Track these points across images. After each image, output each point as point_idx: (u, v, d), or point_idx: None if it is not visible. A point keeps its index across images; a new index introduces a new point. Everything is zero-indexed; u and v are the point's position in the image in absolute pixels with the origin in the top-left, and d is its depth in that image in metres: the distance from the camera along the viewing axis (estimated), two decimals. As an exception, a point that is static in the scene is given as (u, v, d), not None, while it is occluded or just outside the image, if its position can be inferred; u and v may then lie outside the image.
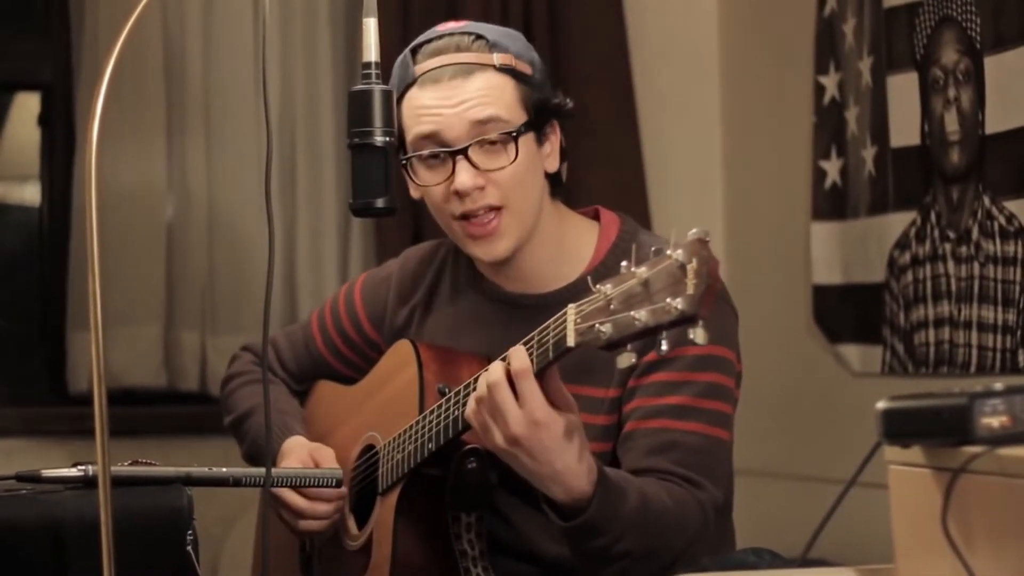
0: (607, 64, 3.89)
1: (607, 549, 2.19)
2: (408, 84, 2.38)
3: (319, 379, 2.72)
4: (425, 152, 2.35)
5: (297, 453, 2.50)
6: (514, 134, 2.34)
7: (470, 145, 2.33)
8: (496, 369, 2.12)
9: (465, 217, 2.36)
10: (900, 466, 1.68)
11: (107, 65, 1.92)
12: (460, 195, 2.34)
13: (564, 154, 2.46)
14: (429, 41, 2.39)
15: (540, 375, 2.09)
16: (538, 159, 2.40)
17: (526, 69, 2.38)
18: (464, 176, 2.33)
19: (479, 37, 2.37)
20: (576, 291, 2.38)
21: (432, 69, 2.36)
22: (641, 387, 2.34)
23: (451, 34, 2.39)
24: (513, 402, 2.09)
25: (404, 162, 2.38)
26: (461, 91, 2.34)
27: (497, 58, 2.36)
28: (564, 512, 2.16)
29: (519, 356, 2.09)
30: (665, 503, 2.23)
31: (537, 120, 2.38)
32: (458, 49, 2.37)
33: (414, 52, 2.39)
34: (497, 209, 2.36)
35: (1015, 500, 1.52)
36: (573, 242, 2.46)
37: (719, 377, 2.35)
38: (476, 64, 2.35)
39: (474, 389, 2.21)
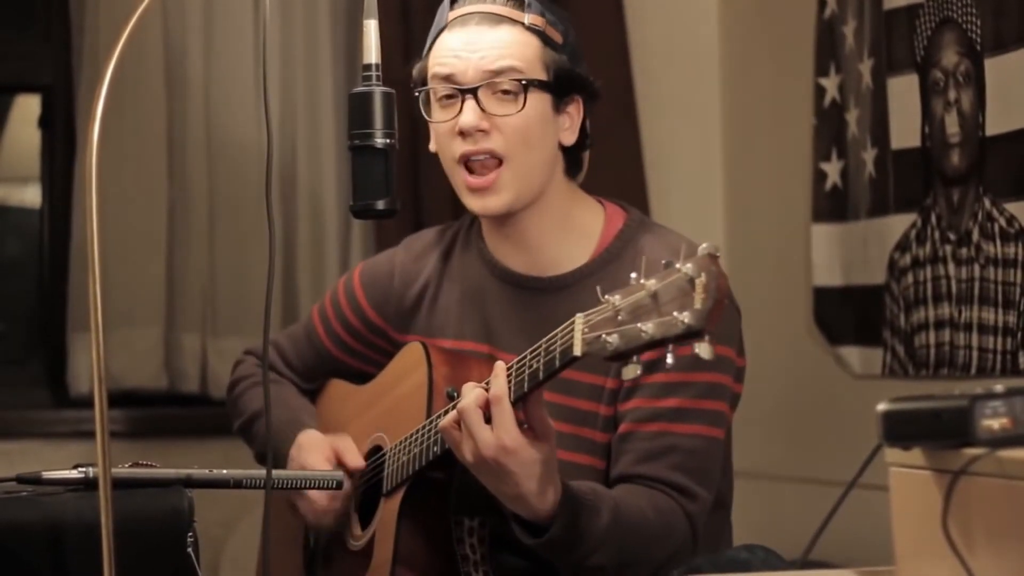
0: (608, 66, 3.89)
1: (579, 563, 2.23)
2: (440, 29, 2.44)
3: (326, 375, 2.72)
4: (438, 88, 2.39)
5: (319, 447, 2.51)
6: (525, 83, 2.37)
7: (480, 86, 2.37)
8: (470, 395, 2.16)
9: (467, 164, 2.39)
10: (901, 468, 1.68)
11: (108, 67, 1.92)
12: (463, 135, 2.36)
13: (586, 136, 2.47)
14: None
15: (524, 400, 2.12)
16: (551, 124, 2.42)
17: (555, 36, 2.42)
18: (469, 115, 2.37)
19: None
20: (582, 276, 2.41)
21: (462, 15, 2.41)
22: (639, 387, 2.34)
23: None
24: (483, 427, 2.14)
25: (419, 94, 2.43)
26: (483, 38, 2.39)
27: (528, 17, 2.41)
28: (532, 527, 2.21)
29: (498, 383, 2.13)
30: (645, 516, 2.26)
31: (557, 85, 2.41)
32: (493, 2, 2.42)
33: (452, 1, 2.45)
34: (498, 160, 2.38)
35: (1016, 502, 1.52)
36: (580, 223, 2.48)
37: (717, 376, 2.36)
38: (505, 17, 2.40)
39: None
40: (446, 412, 2.29)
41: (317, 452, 2.49)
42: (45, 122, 4.06)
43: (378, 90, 2.11)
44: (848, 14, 3.46)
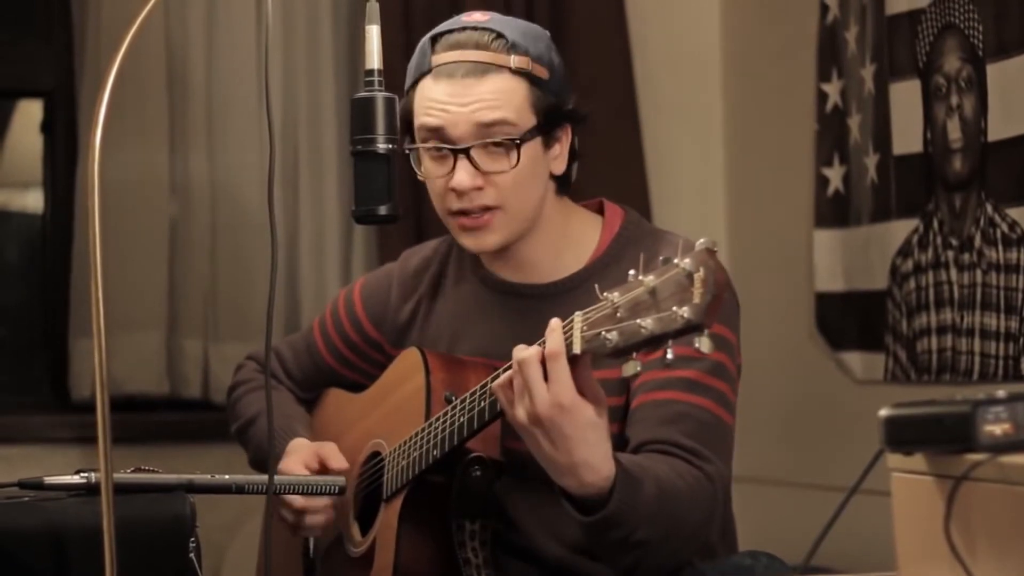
0: (610, 71, 3.90)
1: (625, 540, 2.16)
2: (423, 72, 2.39)
3: (324, 386, 2.72)
4: (429, 145, 2.37)
5: (300, 452, 2.50)
6: (518, 141, 2.34)
7: (473, 146, 2.34)
8: (531, 348, 2.09)
9: (461, 212, 2.37)
10: (903, 473, 1.68)
11: (110, 72, 1.92)
12: (458, 193, 2.35)
13: (574, 155, 2.46)
14: (451, 32, 2.39)
15: (573, 361, 2.06)
16: (542, 163, 2.40)
17: (543, 73, 2.38)
18: (463, 175, 2.34)
19: (500, 36, 2.37)
20: (579, 281, 2.40)
21: (447, 63, 2.36)
22: (648, 362, 2.32)
23: (473, 28, 2.38)
24: (541, 381, 2.06)
25: (409, 150, 2.39)
26: (472, 91, 2.34)
27: (514, 60, 2.36)
28: (581, 505, 2.14)
29: (554, 338, 2.05)
30: (678, 486, 2.21)
31: (546, 124, 2.39)
32: (477, 46, 2.36)
33: (434, 41, 2.39)
34: (492, 209, 2.36)
35: (1018, 507, 1.52)
36: (577, 234, 2.46)
37: (724, 358, 2.34)
38: (492, 64, 2.35)
39: (481, 396, 2.21)
40: (444, 415, 2.29)
41: (295, 457, 2.48)
42: (47, 127, 4.06)
43: (380, 95, 2.10)
44: (850, 19, 3.46)
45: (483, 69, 2.35)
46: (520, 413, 2.10)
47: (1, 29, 4.07)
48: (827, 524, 1.76)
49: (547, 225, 2.44)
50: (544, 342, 2.08)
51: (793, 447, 3.75)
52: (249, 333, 3.88)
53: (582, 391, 2.07)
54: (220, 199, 3.97)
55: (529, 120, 2.36)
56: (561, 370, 2.05)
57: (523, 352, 2.09)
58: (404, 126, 2.40)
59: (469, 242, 2.40)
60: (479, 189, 2.35)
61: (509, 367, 2.14)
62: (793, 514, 3.45)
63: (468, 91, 2.34)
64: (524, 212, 2.39)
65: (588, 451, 2.08)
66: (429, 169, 2.38)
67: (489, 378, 2.21)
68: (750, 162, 3.97)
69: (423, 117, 2.37)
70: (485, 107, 2.34)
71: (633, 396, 2.34)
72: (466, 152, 2.34)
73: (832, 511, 1.74)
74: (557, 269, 2.45)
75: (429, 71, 2.37)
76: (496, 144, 2.34)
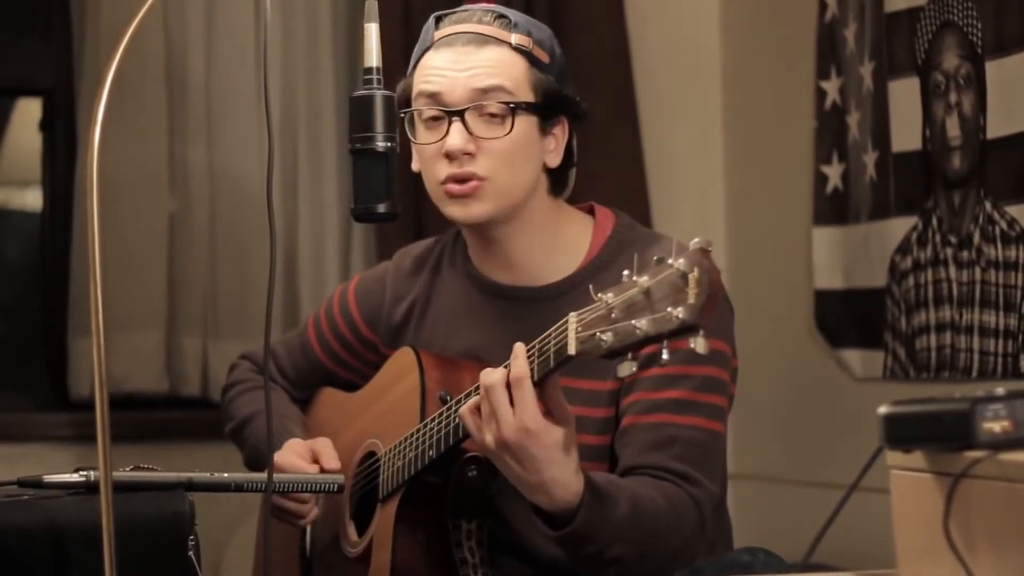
0: (609, 69, 3.89)
1: (599, 555, 2.20)
2: (425, 48, 2.42)
3: (319, 385, 2.72)
4: (424, 109, 2.37)
5: (293, 447, 2.50)
6: (513, 106, 2.36)
7: (468, 108, 2.35)
8: (495, 372, 2.12)
9: (450, 179, 2.38)
10: (902, 471, 1.68)
11: (109, 70, 1.92)
12: (449, 157, 2.36)
13: (571, 156, 2.46)
14: (454, 12, 2.43)
15: (540, 383, 2.09)
16: (537, 146, 2.41)
17: (543, 56, 2.40)
18: (456, 137, 2.35)
19: (502, 16, 2.41)
20: (571, 285, 2.41)
21: (449, 35, 2.39)
22: (639, 381, 2.33)
23: (476, 9, 2.43)
24: (508, 407, 2.10)
25: (404, 115, 2.40)
26: (471, 58, 2.37)
27: (515, 38, 2.38)
28: (553, 520, 2.17)
29: (518, 363, 2.09)
30: (659, 505, 2.24)
31: (544, 106, 2.40)
32: (480, 21, 2.40)
33: (437, 20, 2.43)
34: (481, 179, 2.37)
35: (1017, 505, 1.52)
36: (568, 236, 2.47)
37: (716, 371, 2.36)
38: (492, 37, 2.38)
39: (476, 396, 2.21)
40: (439, 415, 2.29)
41: (292, 454, 2.49)
42: (46, 125, 4.06)
43: (379, 93, 2.11)
44: (849, 17, 3.46)
45: (483, 40, 2.38)
46: (488, 438, 2.13)
47: (1, 29, 4.07)
48: (826, 521, 1.76)
49: (539, 223, 2.44)
50: (509, 365, 2.10)
51: (792, 444, 3.75)
52: (248, 331, 3.88)
53: (549, 412, 2.11)
54: (219, 197, 3.97)
55: (526, 94, 2.38)
56: (526, 395, 2.09)
57: (490, 377, 2.12)
58: (404, 103, 2.41)
59: (456, 211, 2.40)
60: (470, 155, 2.36)
61: (472, 392, 2.16)
62: (792, 511, 3.45)
63: (467, 58, 2.37)
64: (512, 189, 2.39)
65: (556, 470, 2.12)
66: (422, 136, 2.40)
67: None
68: (749, 160, 3.97)
69: (422, 84, 2.39)
70: (482, 72, 2.36)
71: (623, 414, 2.35)
72: (460, 115, 2.35)
73: (831, 508, 1.75)
74: (548, 271, 2.45)
75: (431, 46, 2.41)
76: (491, 114, 2.36)
